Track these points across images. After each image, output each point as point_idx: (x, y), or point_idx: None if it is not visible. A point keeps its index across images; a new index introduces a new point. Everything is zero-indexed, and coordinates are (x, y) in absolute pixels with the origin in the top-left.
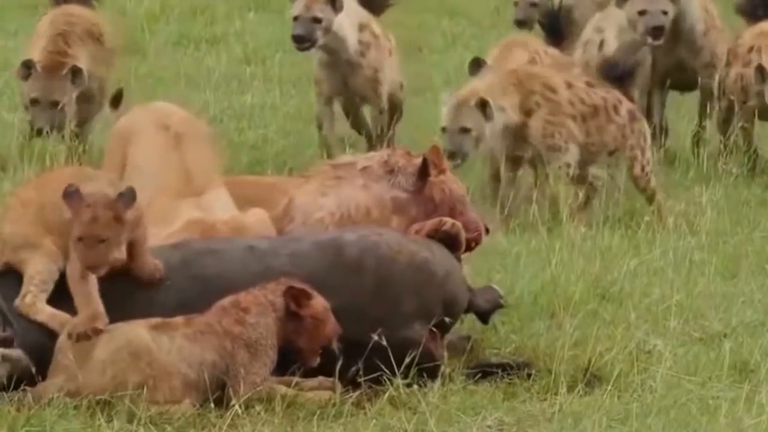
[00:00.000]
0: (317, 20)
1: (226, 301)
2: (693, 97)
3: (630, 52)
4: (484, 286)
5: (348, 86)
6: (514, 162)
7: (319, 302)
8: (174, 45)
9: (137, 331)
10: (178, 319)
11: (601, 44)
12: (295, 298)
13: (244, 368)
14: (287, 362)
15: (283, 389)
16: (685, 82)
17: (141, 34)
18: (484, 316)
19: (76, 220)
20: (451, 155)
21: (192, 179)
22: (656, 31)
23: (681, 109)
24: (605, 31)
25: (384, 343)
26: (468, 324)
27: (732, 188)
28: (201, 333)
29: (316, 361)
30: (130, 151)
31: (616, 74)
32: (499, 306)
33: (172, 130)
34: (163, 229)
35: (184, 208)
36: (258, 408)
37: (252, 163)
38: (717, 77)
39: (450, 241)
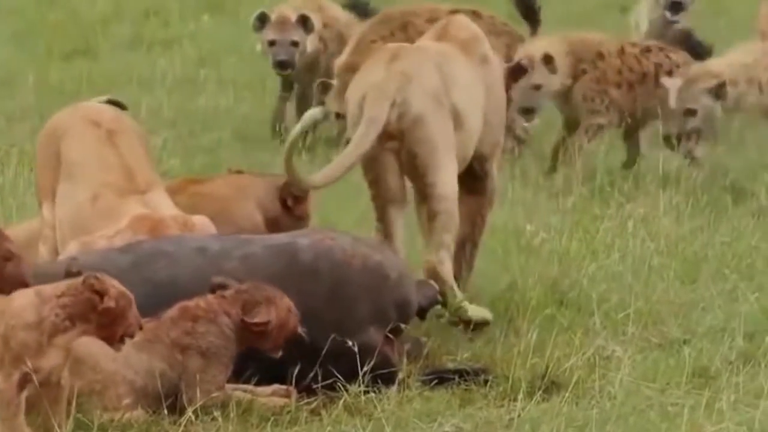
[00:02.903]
0: (295, 44)
1: (175, 310)
2: None
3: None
4: (420, 281)
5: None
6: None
7: (278, 311)
8: (127, 47)
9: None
10: None
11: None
12: (250, 319)
13: (198, 376)
14: (242, 369)
15: (238, 395)
16: None
17: (94, 35)
18: (421, 313)
19: None
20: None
21: (134, 177)
22: (675, 6)
23: None
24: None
25: (351, 347)
26: (424, 329)
27: (691, 192)
28: (149, 342)
29: (280, 353)
30: (63, 148)
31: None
32: (436, 302)
33: (104, 126)
34: (111, 227)
35: (130, 206)
36: (213, 414)
37: (205, 167)
38: None
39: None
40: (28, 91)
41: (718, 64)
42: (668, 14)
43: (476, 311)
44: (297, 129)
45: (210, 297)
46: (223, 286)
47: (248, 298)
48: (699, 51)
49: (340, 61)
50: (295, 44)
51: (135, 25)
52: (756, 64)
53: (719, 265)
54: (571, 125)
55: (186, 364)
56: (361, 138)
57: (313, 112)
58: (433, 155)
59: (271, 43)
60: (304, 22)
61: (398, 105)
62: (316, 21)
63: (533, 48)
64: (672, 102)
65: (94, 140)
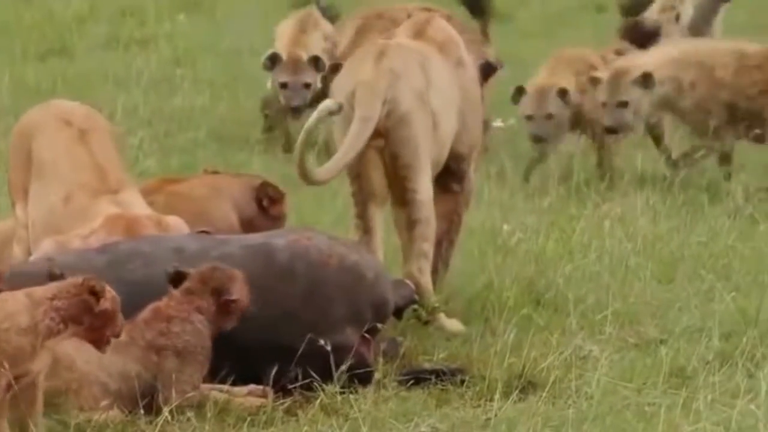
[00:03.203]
0: (307, 86)
1: (147, 312)
2: None
3: (707, 16)
4: (396, 280)
5: None
6: None
7: (241, 285)
8: (103, 47)
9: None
10: None
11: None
12: (225, 302)
13: (174, 376)
14: (218, 369)
15: (215, 395)
16: None
17: (69, 35)
18: (397, 312)
19: None
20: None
21: (106, 176)
22: None
23: None
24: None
25: (325, 348)
26: (400, 329)
27: (668, 192)
28: (124, 344)
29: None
30: (34, 148)
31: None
32: (413, 301)
33: (75, 125)
34: (84, 227)
35: (103, 206)
36: (188, 414)
37: (181, 167)
38: None
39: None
40: (3, 90)
41: (643, 57)
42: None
43: (450, 324)
44: (312, 120)
45: (178, 295)
46: (180, 276)
47: (216, 283)
48: (643, 40)
49: (342, 53)
50: (307, 86)
51: (111, 24)
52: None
53: (696, 265)
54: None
55: (161, 365)
56: (356, 136)
57: (327, 104)
58: (415, 156)
59: (283, 86)
60: (315, 62)
61: (387, 102)
62: (318, 35)
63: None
64: (601, 95)
65: (65, 139)
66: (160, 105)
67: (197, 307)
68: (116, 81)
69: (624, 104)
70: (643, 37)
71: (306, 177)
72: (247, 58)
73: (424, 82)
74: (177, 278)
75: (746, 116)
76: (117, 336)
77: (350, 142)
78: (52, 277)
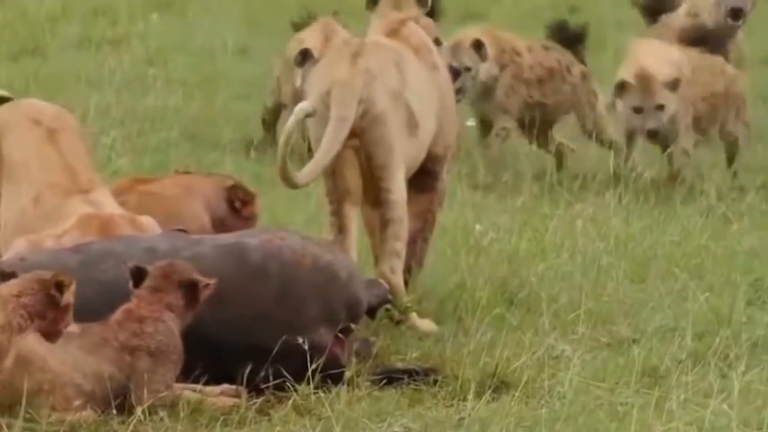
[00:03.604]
0: None
1: (119, 313)
2: None
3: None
4: (369, 280)
5: None
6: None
7: (208, 288)
8: (75, 46)
9: (29, 337)
10: (74, 329)
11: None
12: (193, 293)
13: (147, 376)
14: (191, 368)
15: (187, 395)
16: None
17: (42, 35)
18: (370, 312)
19: None
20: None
21: (77, 176)
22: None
23: None
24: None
25: (298, 347)
26: (373, 329)
27: (640, 191)
28: (97, 345)
29: None
30: (4, 147)
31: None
32: (386, 301)
33: (44, 125)
34: (56, 227)
35: (74, 205)
36: (161, 414)
37: (154, 167)
38: None
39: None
40: None
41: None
42: (730, 21)
43: (423, 323)
44: (291, 123)
45: (147, 295)
46: (141, 272)
47: (180, 276)
48: (573, 41)
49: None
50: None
51: (83, 24)
52: None
53: (669, 265)
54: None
55: (135, 366)
56: (333, 138)
57: (304, 106)
58: (389, 156)
59: None
60: None
61: (363, 102)
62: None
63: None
64: (632, 100)
65: (35, 139)
66: (132, 105)
67: (167, 304)
68: (89, 81)
69: (661, 108)
70: (569, 38)
71: (288, 180)
72: (219, 58)
73: (400, 81)
74: (137, 275)
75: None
76: (68, 325)
77: (328, 144)
78: (3, 276)
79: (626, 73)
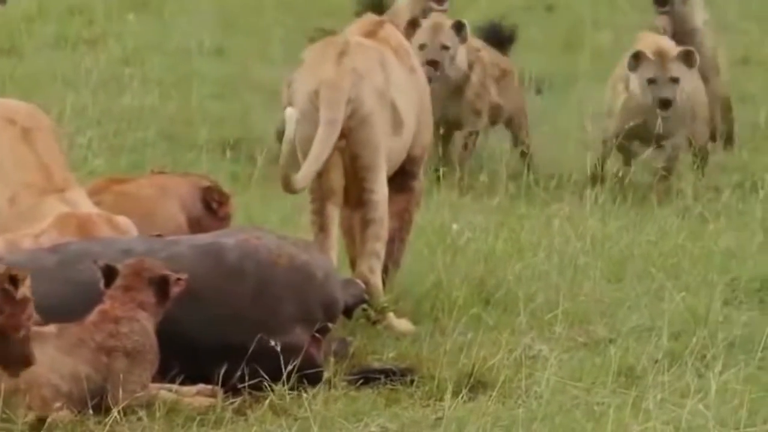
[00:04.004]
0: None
1: (95, 314)
2: None
3: None
4: (346, 280)
5: None
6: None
7: (179, 283)
8: (52, 46)
9: None
10: (51, 330)
11: None
12: (164, 289)
13: (123, 376)
14: (167, 368)
15: (164, 395)
16: None
17: (18, 34)
18: (347, 312)
19: None
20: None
21: (52, 175)
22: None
23: None
24: None
25: (275, 347)
26: (350, 329)
27: (617, 191)
28: (74, 346)
29: None
30: None
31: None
32: (363, 300)
33: (19, 124)
34: (32, 227)
35: (52, 205)
36: (138, 414)
37: (130, 166)
38: None
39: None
40: None
41: None
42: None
43: (400, 323)
44: (289, 131)
45: (120, 295)
46: (112, 271)
47: (150, 274)
48: (502, 41)
49: None
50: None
51: (59, 23)
52: None
53: (645, 264)
54: None
55: (111, 366)
56: (325, 140)
57: (292, 112)
58: (374, 157)
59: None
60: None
61: (351, 102)
62: None
63: None
64: (647, 72)
65: (9, 139)
66: (108, 104)
67: (140, 303)
68: (65, 80)
69: (675, 80)
70: (500, 40)
71: (289, 187)
72: (195, 58)
73: (385, 80)
74: (108, 273)
75: None
76: (30, 319)
77: (320, 147)
78: None
79: (641, 46)
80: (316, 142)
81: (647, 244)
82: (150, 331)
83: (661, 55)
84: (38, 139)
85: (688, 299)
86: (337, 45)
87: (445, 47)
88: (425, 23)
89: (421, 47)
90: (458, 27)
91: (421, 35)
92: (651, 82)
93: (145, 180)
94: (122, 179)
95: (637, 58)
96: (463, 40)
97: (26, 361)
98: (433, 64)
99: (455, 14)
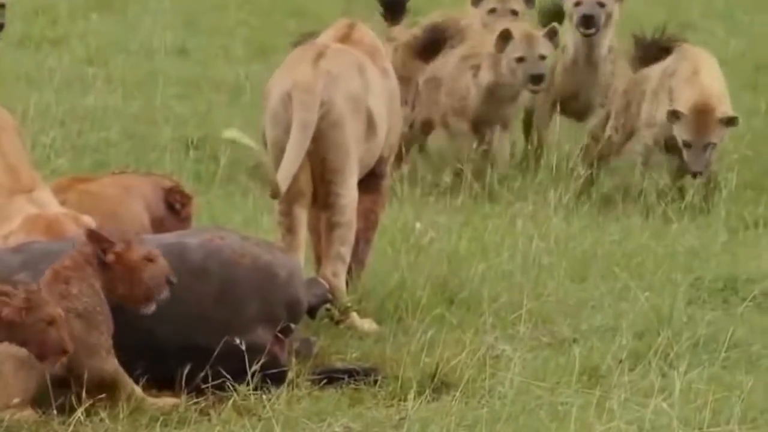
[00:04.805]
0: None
1: (48, 274)
2: None
3: None
4: (310, 279)
5: None
6: None
7: (134, 252)
8: (16, 45)
9: None
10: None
11: None
12: (102, 246)
13: (80, 341)
14: (132, 369)
15: (129, 384)
16: None
17: None
18: (311, 312)
19: None
20: None
21: (19, 175)
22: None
23: None
24: None
25: (239, 347)
26: (314, 328)
27: (581, 191)
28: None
29: (149, 309)
30: None
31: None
32: (326, 300)
33: None
34: (3, 227)
35: (19, 205)
36: (101, 414)
37: (94, 166)
38: None
39: None
40: None
41: None
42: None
43: (363, 323)
44: (257, 146)
45: (74, 252)
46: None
47: (97, 237)
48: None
49: None
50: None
51: (23, 23)
52: None
53: (609, 264)
54: None
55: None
56: (299, 143)
57: (234, 131)
58: (344, 161)
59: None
60: None
61: (323, 104)
62: None
63: None
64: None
65: None
66: (72, 104)
67: (87, 261)
68: (29, 80)
69: (714, 146)
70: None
71: (277, 193)
72: (159, 57)
73: (363, 85)
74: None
75: None
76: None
77: (294, 151)
78: None
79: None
80: (290, 145)
81: (611, 243)
82: (98, 292)
83: (527, 36)
84: (4, 139)
85: (651, 299)
86: (316, 48)
87: (543, 57)
88: (517, 35)
89: (520, 60)
90: (551, 34)
91: (517, 48)
92: (685, 146)
93: (108, 179)
94: (86, 178)
95: (675, 115)
96: (556, 45)
97: (63, 349)
98: (540, 78)
99: (418, 13)
